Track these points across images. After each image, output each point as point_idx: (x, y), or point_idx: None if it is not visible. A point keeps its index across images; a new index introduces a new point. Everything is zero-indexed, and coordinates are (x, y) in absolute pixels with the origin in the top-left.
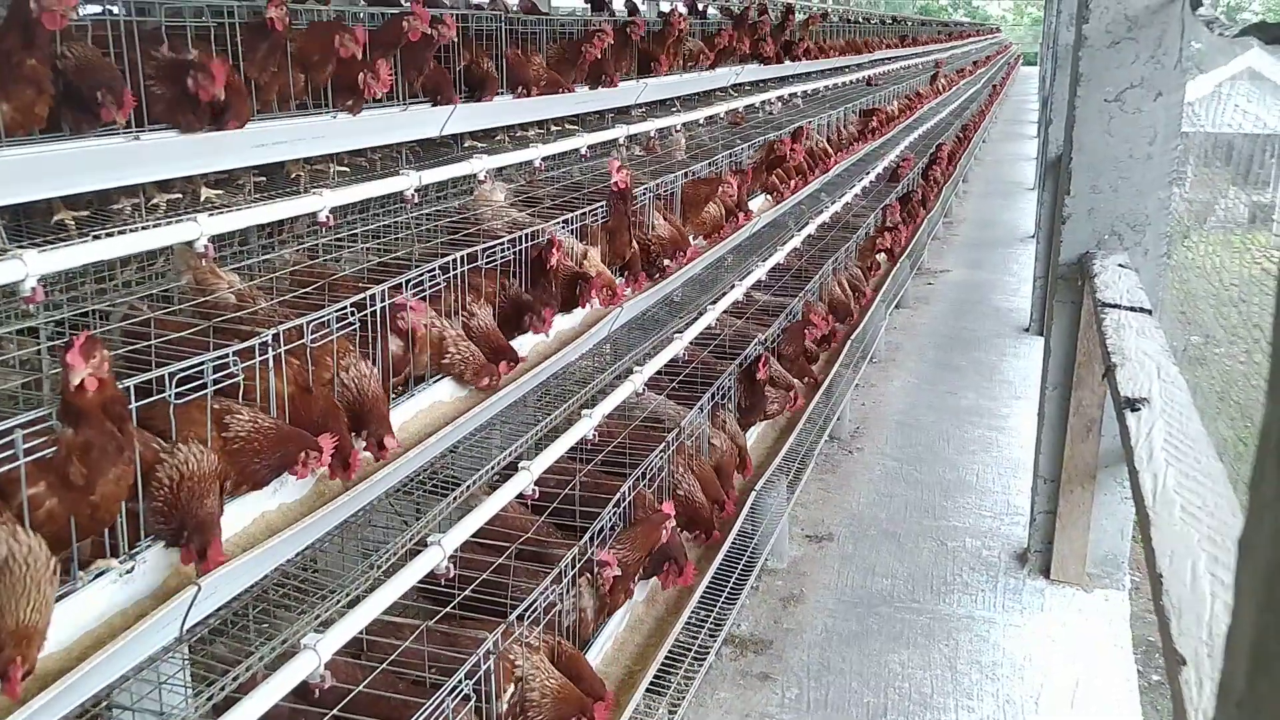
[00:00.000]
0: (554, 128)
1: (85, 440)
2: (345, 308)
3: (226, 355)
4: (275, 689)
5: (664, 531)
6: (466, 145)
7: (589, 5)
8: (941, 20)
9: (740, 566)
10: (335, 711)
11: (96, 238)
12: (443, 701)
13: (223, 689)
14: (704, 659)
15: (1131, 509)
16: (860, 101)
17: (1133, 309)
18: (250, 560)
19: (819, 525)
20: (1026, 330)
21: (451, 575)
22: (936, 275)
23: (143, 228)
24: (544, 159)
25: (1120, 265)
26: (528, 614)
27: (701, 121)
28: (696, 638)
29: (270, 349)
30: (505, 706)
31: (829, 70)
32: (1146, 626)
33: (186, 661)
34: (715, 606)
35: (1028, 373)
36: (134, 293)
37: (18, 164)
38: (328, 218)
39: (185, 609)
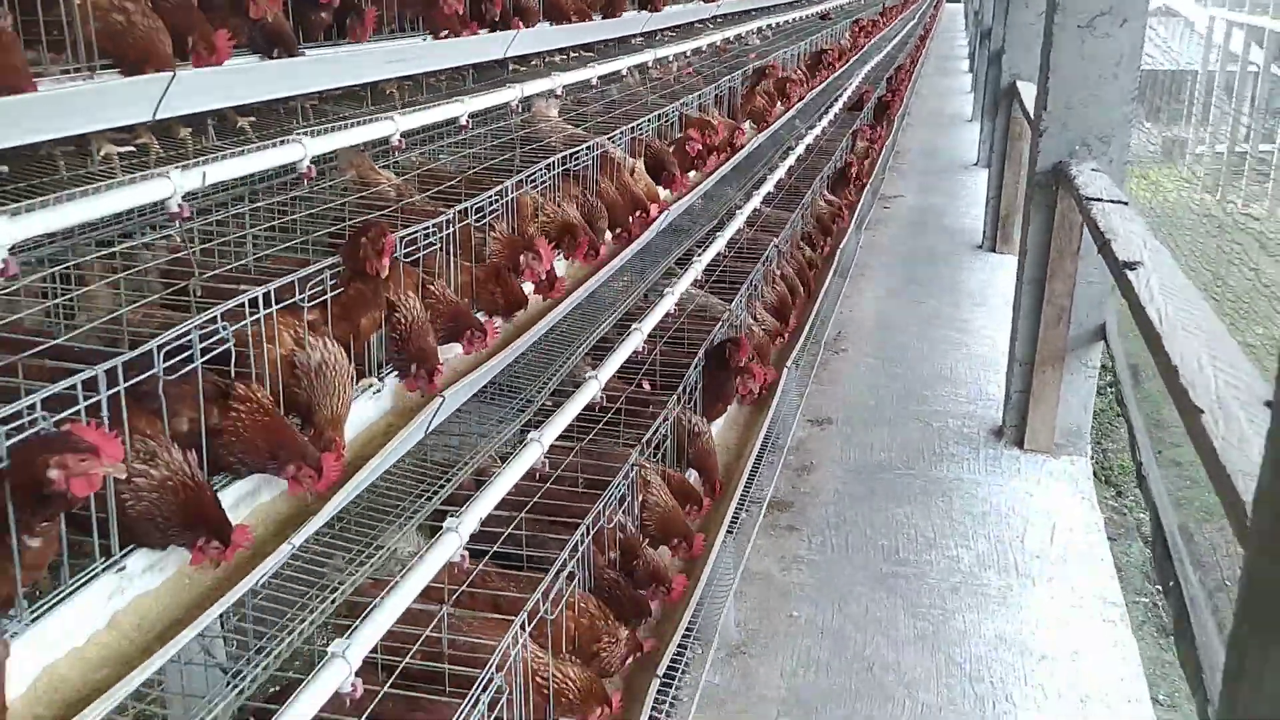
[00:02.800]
0: (570, 55)
1: (358, 290)
2: (492, 196)
3: (426, 227)
4: (508, 477)
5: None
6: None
7: None
8: None
9: (770, 447)
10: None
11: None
12: (604, 500)
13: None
14: (753, 521)
15: (1093, 385)
16: (818, 35)
17: (1113, 201)
18: (467, 383)
19: (819, 412)
20: (980, 247)
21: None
22: (892, 200)
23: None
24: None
25: (1093, 169)
26: (651, 441)
27: (689, 52)
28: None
29: (446, 229)
30: (637, 509)
31: (789, 4)
32: (1101, 486)
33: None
34: (757, 471)
35: (985, 284)
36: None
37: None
38: (400, 140)
39: (430, 417)
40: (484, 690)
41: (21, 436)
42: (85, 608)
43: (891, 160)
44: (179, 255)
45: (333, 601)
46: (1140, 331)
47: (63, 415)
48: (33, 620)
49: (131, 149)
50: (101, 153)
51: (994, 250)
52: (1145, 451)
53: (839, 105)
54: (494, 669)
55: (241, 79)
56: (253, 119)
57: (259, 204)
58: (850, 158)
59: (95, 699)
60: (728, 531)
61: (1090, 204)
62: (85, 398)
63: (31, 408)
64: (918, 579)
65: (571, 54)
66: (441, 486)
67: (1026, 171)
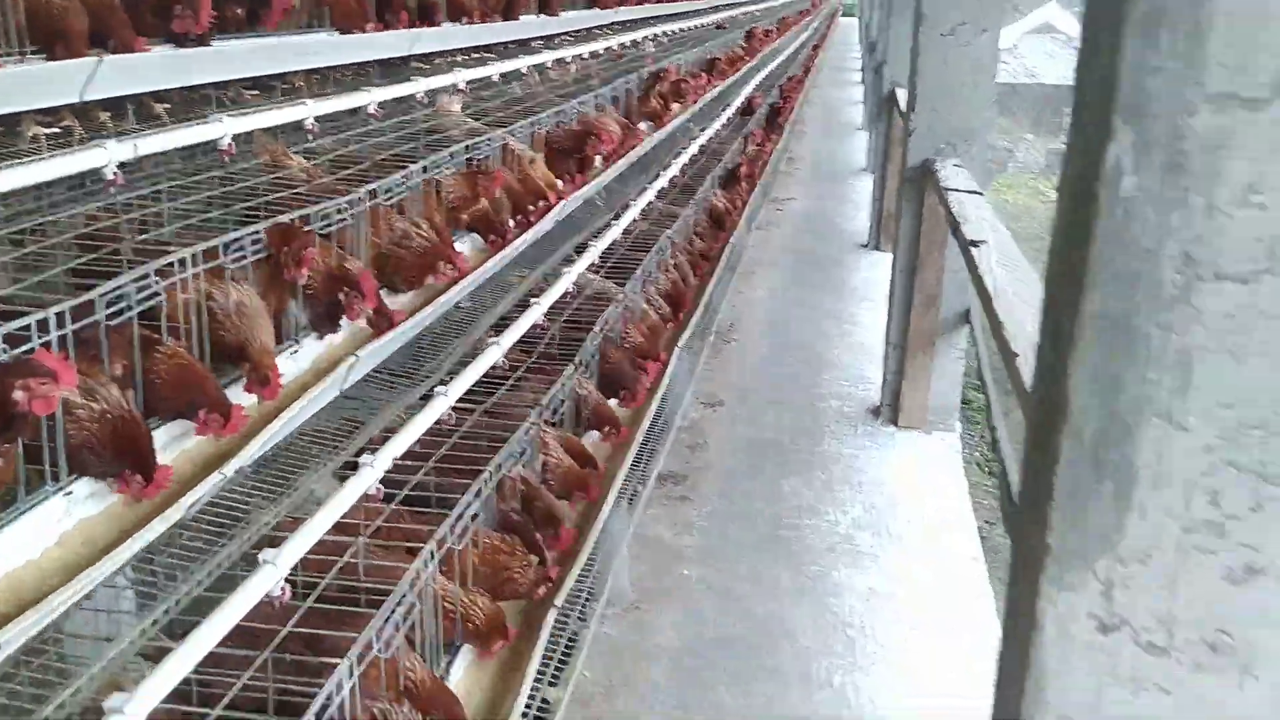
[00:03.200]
0: (473, 55)
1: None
2: (412, 173)
3: (338, 204)
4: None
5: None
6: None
7: None
8: None
9: (663, 422)
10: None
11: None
12: (506, 451)
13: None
14: (643, 488)
15: (961, 366)
16: (713, 44)
17: (969, 192)
18: (378, 346)
19: (711, 395)
20: (865, 246)
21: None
22: (784, 203)
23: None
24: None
25: (955, 165)
26: (549, 407)
27: (586, 55)
28: (637, 470)
29: (360, 205)
30: (539, 466)
31: (688, 13)
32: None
33: None
34: (649, 447)
35: (869, 280)
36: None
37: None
38: (314, 125)
39: (345, 372)
40: (399, 604)
41: None
42: (39, 526)
43: (784, 165)
44: (104, 224)
45: (253, 535)
46: (979, 297)
47: (18, 351)
48: None
49: (57, 130)
50: (30, 133)
51: (877, 248)
52: (997, 418)
53: (731, 110)
54: (408, 586)
55: (159, 67)
56: (168, 106)
57: (178, 183)
58: (741, 159)
59: (50, 595)
60: (619, 494)
61: (949, 194)
62: (39, 339)
63: None
64: (799, 541)
65: (473, 54)
66: (354, 438)
67: (901, 168)
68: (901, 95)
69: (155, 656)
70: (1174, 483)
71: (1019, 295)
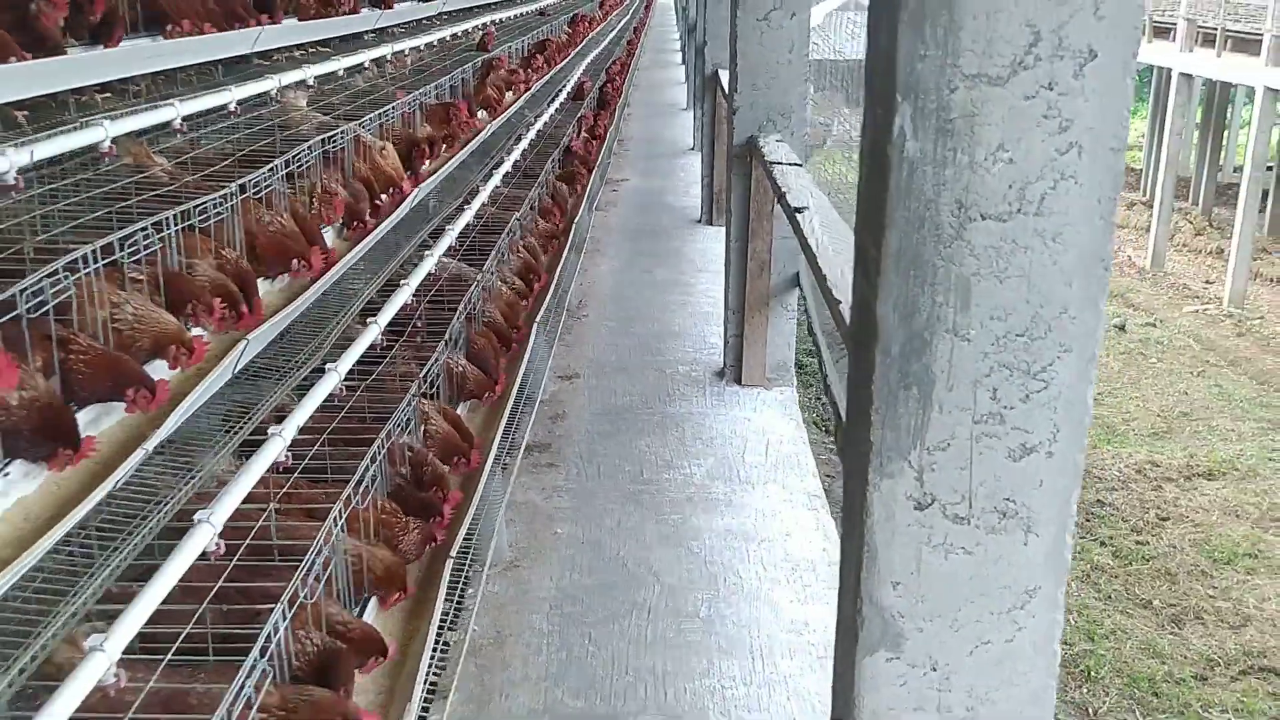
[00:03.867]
0: (309, 50)
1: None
2: (275, 167)
3: (212, 199)
4: (316, 396)
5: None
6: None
7: None
8: None
9: (525, 397)
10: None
11: None
12: (392, 422)
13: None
14: (514, 458)
15: (794, 325)
16: (539, 30)
17: (790, 164)
18: (264, 330)
19: (566, 369)
20: (698, 221)
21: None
22: (618, 184)
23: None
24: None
25: (777, 140)
26: (426, 380)
27: (422, 46)
28: (507, 439)
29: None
30: (421, 434)
31: (509, 2)
32: (809, 411)
33: None
34: (516, 418)
35: (704, 251)
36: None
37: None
38: (181, 124)
39: (237, 358)
40: (318, 555)
41: None
42: None
43: (615, 147)
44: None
45: (172, 507)
46: (805, 257)
47: None
48: None
49: None
50: None
51: (710, 223)
52: (829, 365)
53: (563, 95)
54: (322, 540)
55: (17, 75)
56: (27, 113)
57: (52, 186)
58: (577, 141)
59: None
60: (494, 460)
61: (773, 167)
62: None
63: None
64: (659, 493)
65: (310, 49)
66: (250, 418)
67: (727, 146)
68: (724, 76)
69: (104, 615)
70: (963, 383)
71: (839, 253)
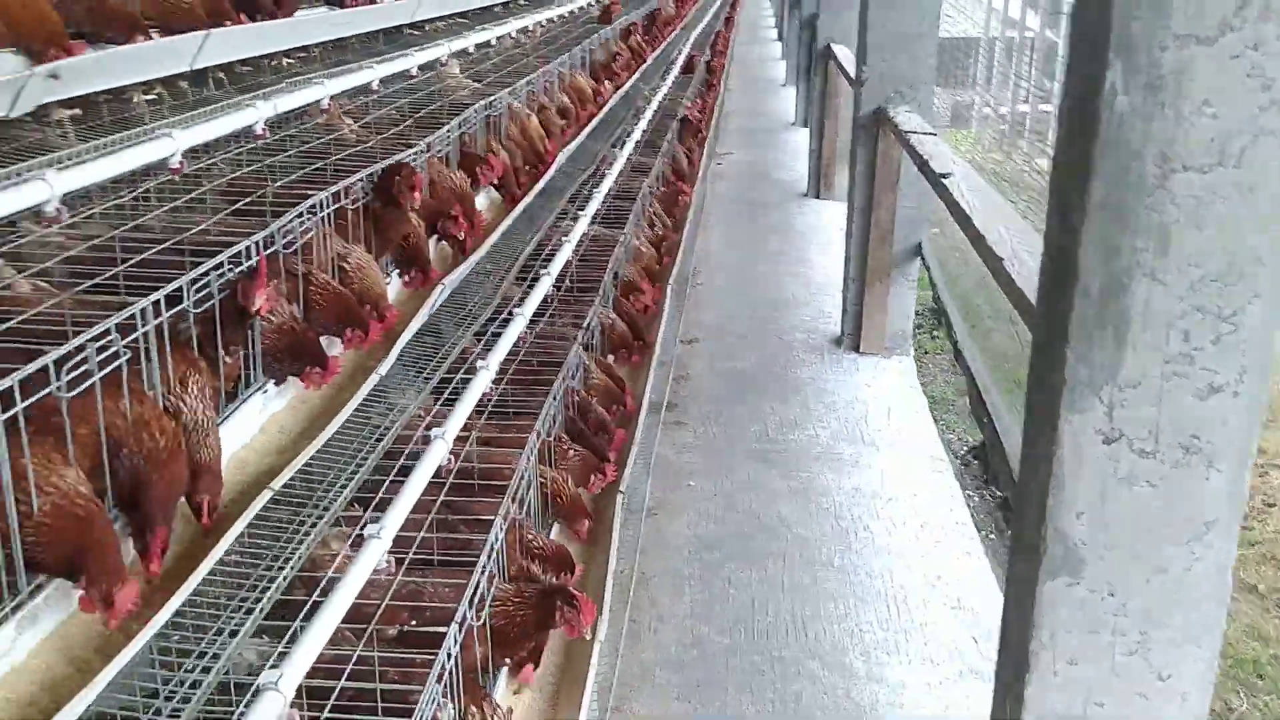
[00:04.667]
0: (451, 21)
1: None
2: (449, 128)
3: (414, 151)
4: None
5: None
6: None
7: None
8: None
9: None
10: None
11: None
12: (564, 372)
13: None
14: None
15: (914, 296)
16: (646, 4)
17: (926, 133)
18: (454, 276)
19: (687, 333)
20: (805, 194)
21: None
22: (724, 157)
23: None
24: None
25: (908, 111)
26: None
27: (545, 21)
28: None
29: (422, 154)
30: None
31: None
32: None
33: None
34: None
35: (814, 225)
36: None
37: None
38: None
39: (437, 299)
40: (523, 479)
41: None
42: (248, 417)
43: (720, 121)
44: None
45: (395, 428)
46: (956, 220)
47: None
48: None
49: (153, 98)
50: (136, 99)
51: (818, 196)
52: (961, 334)
53: (675, 69)
54: (526, 467)
55: (251, 36)
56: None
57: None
58: (692, 113)
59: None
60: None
61: (909, 135)
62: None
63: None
64: (786, 452)
65: (451, 20)
66: (440, 364)
67: (851, 119)
68: (839, 49)
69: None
70: (1157, 325)
71: (990, 212)
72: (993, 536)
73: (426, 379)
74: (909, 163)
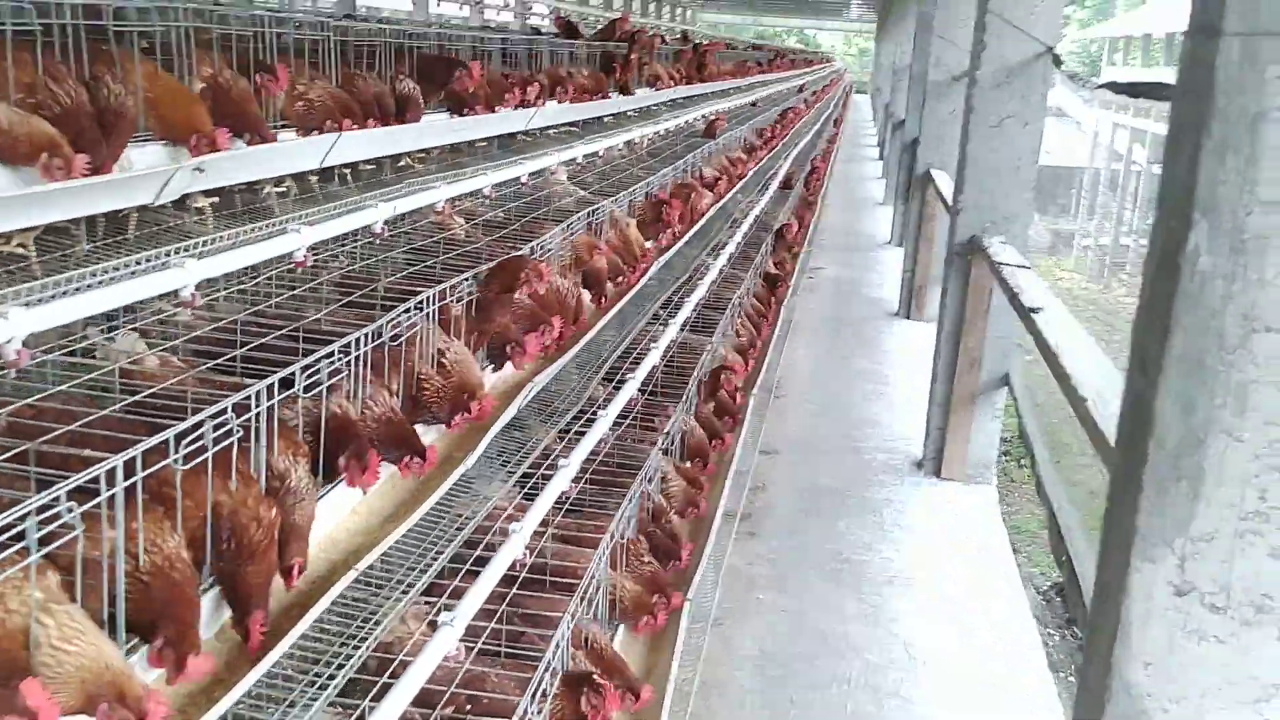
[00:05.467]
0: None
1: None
2: (559, 229)
3: (534, 245)
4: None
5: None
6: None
7: (561, 31)
8: (790, 48)
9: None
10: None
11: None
12: (642, 476)
13: None
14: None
15: (999, 425)
16: (753, 121)
17: (1019, 266)
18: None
19: (768, 445)
20: (896, 315)
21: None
22: (815, 273)
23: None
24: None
25: (1002, 242)
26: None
27: (657, 133)
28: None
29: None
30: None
31: (724, 91)
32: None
33: None
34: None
35: (901, 345)
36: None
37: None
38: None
39: (527, 395)
40: (593, 580)
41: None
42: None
43: (814, 237)
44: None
45: (469, 528)
46: (1042, 355)
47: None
48: None
49: (282, 190)
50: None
51: (908, 317)
52: (1044, 467)
53: (774, 184)
54: (596, 566)
55: (381, 138)
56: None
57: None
58: (788, 228)
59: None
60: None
61: (1002, 267)
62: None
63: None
64: (859, 573)
65: (562, 129)
66: (525, 454)
67: (946, 245)
68: (938, 175)
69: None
70: (1232, 482)
71: (1076, 351)
72: (1071, 678)
73: (510, 472)
74: (1000, 292)
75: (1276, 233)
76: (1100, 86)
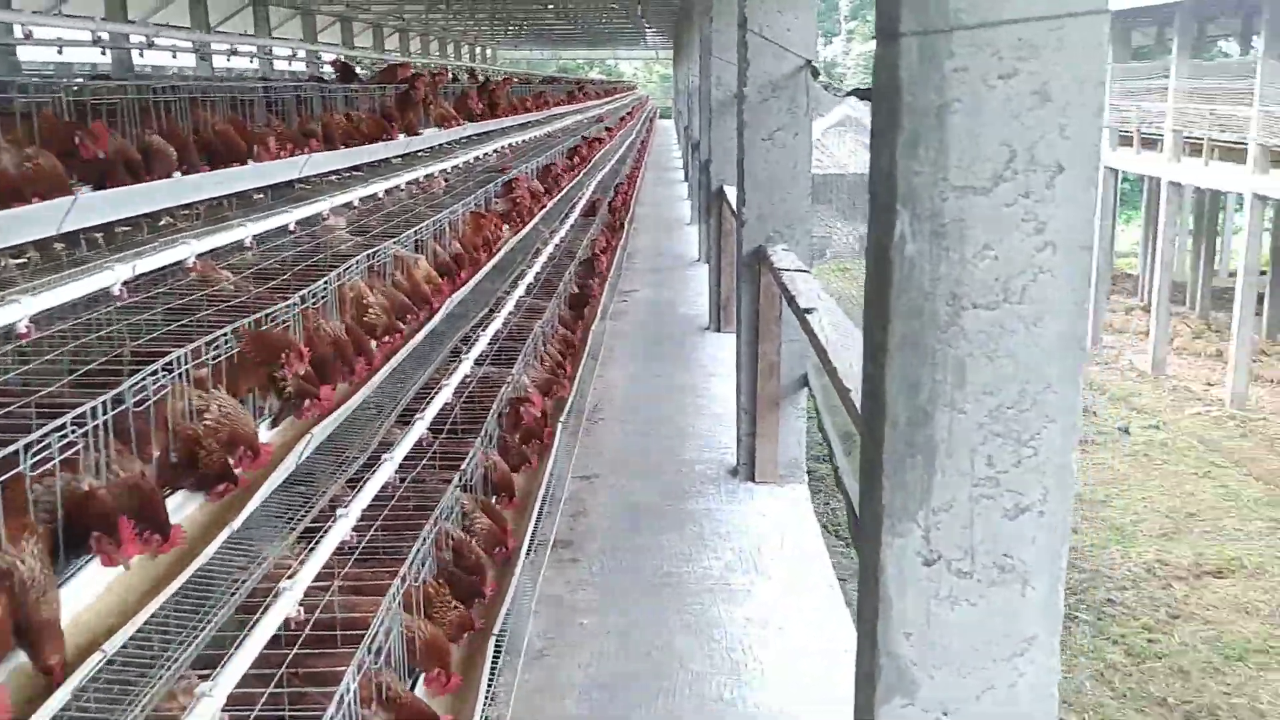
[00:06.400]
0: (342, 175)
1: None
2: (329, 279)
3: (285, 306)
4: (376, 480)
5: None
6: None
7: (340, 75)
8: (590, 79)
9: (550, 496)
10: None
11: None
12: (438, 513)
13: None
14: (543, 552)
15: (804, 424)
16: (548, 154)
17: (798, 270)
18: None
19: (586, 469)
20: (707, 329)
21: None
22: (628, 294)
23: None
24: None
25: (784, 249)
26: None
27: (448, 170)
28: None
29: (295, 308)
30: (461, 524)
31: (520, 125)
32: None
33: None
34: (542, 515)
35: (714, 356)
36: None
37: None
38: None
39: (304, 448)
40: (381, 625)
41: None
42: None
43: (624, 260)
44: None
45: (241, 593)
46: (815, 352)
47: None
48: None
49: (23, 260)
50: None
51: (719, 330)
52: (840, 459)
53: (576, 212)
54: (384, 612)
55: (120, 201)
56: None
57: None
58: (593, 254)
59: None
60: (526, 553)
61: (782, 273)
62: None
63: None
64: (680, 585)
65: (344, 174)
66: (310, 507)
67: (736, 257)
68: (730, 192)
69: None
70: (961, 451)
71: (847, 348)
72: None
73: (293, 529)
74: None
75: (971, 215)
76: (848, 94)
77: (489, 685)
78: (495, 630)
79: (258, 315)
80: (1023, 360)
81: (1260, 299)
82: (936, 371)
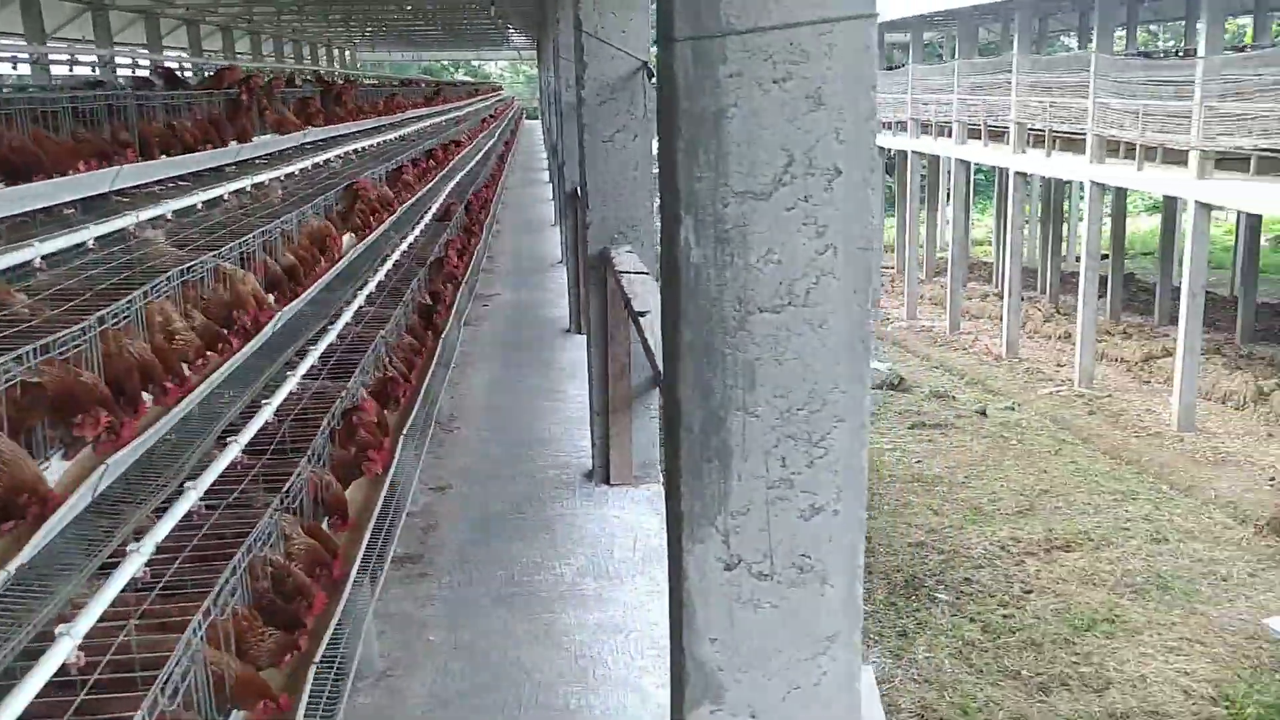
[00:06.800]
0: (169, 185)
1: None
2: (134, 299)
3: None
4: (179, 509)
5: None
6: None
7: (164, 81)
8: (451, 81)
9: (394, 510)
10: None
11: None
12: (252, 538)
13: None
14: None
15: (657, 425)
16: (403, 156)
17: (637, 273)
18: (137, 444)
19: (438, 480)
20: (568, 331)
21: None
22: (490, 298)
23: None
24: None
25: (628, 251)
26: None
27: (285, 177)
28: (373, 551)
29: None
30: (283, 549)
31: (371, 129)
32: None
33: None
34: (383, 530)
35: (573, 359)
36: None
37: None
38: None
39: (97, 480)
40: (176, 664)
41: None
42: None
43: (486, 264)
44: None
45: (25, 637)
46: (645, 355)
47: None
48: None
49: None
50: None
51: (579, 332)
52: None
53: (429, 217)
54: (182, 650)
55: None
56: None
57: None
58: (445, 260)
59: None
60: (359, 572)
61: (622, 276)
62: None
63: None
64: (531, 594)
65: (169, 184)
66: (109, 542)
67: (581, 257)
68: (582, 193)
69: None
70: (755, 454)
71: None
72: None
73: (89, 564)
74: None
75: (753, 220)
76: None
77: (327, 711)
78: (317, 656)
79: (45, 341)
80: (810, 362)
81: (1103, 282)
82: (728, 376)
